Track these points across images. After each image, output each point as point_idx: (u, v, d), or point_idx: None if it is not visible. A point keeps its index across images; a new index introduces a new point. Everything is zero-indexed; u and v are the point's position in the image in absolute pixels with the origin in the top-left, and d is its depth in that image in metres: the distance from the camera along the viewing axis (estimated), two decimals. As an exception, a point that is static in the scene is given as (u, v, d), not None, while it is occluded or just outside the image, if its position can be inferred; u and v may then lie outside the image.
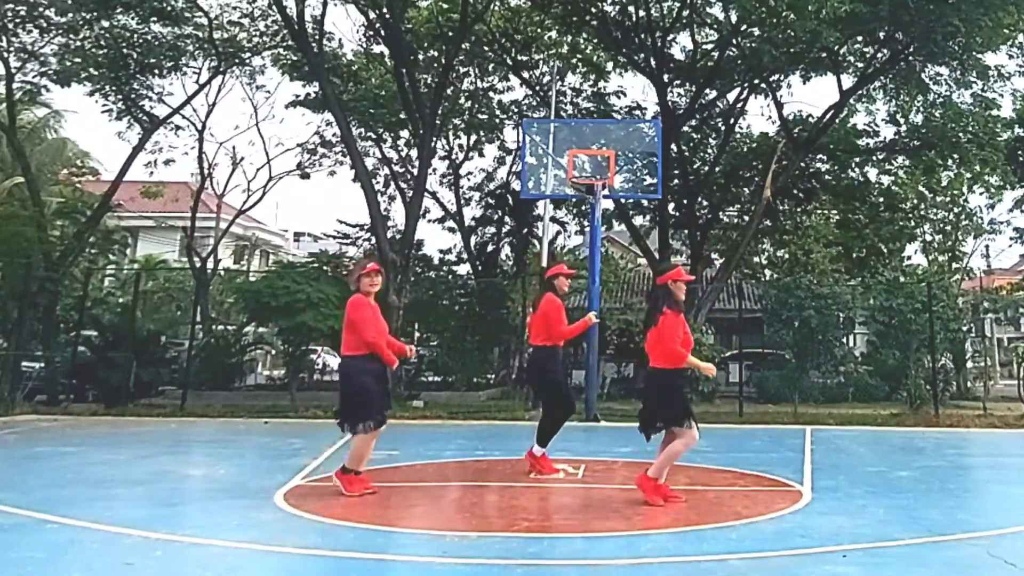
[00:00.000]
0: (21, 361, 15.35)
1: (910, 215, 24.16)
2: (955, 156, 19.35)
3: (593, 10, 18.51)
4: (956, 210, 25.32)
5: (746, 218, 21.37)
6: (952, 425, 12.67)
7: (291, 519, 5.36)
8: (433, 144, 19.68)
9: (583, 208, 20.82)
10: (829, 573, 4.16)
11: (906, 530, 5.13)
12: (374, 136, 22.95)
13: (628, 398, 16.59)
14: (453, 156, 24.51)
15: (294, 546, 4.63)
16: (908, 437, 11.18)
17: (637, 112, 21.44)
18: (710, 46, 19.54)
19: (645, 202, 21.38)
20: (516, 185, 21.44)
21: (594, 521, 5.37)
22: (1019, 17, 15.50)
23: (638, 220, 22.56)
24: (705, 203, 22.42)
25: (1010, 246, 32.38)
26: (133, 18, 17.34)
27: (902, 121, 20.02)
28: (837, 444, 10.15)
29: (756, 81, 19.25)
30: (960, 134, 18.24)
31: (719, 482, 6.86)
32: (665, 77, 19.76)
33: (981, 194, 24.41)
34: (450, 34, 18.50)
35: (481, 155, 25.03)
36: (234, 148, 29.25)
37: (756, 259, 25.55)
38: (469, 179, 25.09)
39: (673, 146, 20.01)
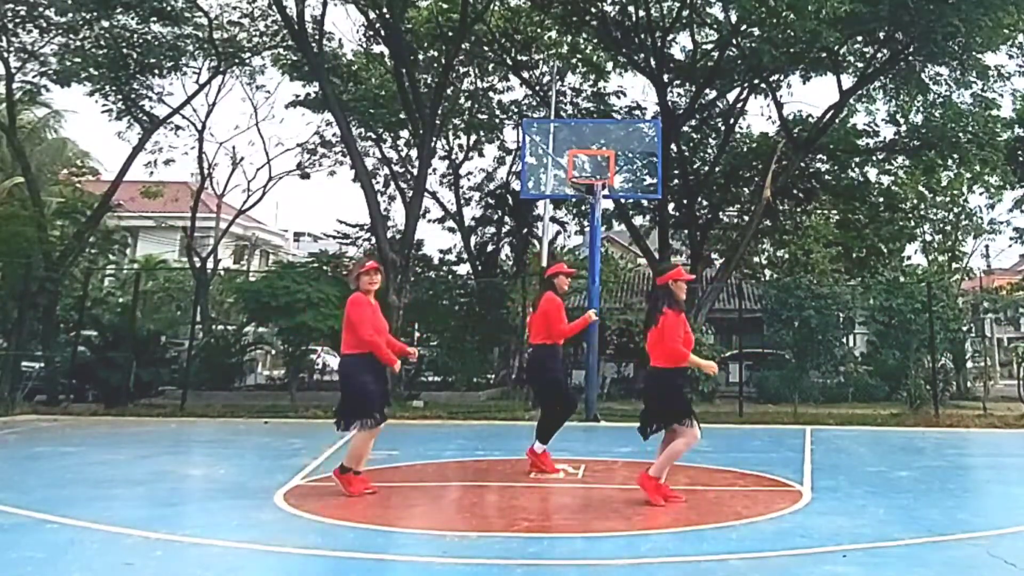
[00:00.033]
0: (21, 361, 15.35)
1: (910, 215, 24.16)
2: (955, 156, 19.35)
3: (593, 10, 18.51)
4: (956, 210, 25.32)
5: (746, 218, 21.37)
6: (952, 425, 12.67)
7: (291, 519, 5.36)
8: (433, 144, 19.68)
9: (583, 208, 20.82)
10: (829, 573, 4.16)
11: (906, 530, 5.13)
12: (374, 136, 22.96)
13: (628, 398, 16.61)
14: (453, 156, 24.53)
15: (294, 546, 4.63)
16: (908, 437, 11.18)
17: (637, 112, 21.46)
18: (710, 46, 19.54)
19: (645, 202, 21.39)
20: (516, 185, 21.45)
21: (594, 521, 5.37)
22: (1019, 17, 15.50)
23: (638, 220, 22.57)
24: (705, 203, 22.42)
25: (1010, 246, 32.40)
26: (133, 18, 17.35)
27: (902, 121, 20.03)
28: (837, 444, 10.15)
29: (756, 81, 19.25)
30: (960, 134, 18.24)
31: (719, 482, 6.86)
32: (665, 77, 19.76)
33: (981, 194, 24.44)
34: (450, 34, 18.50)
35: (481, 155, 25.09)
36: (234, 148, 29.26)
37: (756, 259, 25.55)
38: (469, 179, 25.14)
39: (673, 146, 20.01)
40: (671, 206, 21.70)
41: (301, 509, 5.55)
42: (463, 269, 24.23)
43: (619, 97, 21.84)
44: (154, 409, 14.27)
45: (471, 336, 19.89)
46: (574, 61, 21.71)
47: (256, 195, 25.02)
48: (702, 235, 21.75)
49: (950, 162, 20.54)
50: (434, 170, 23.12)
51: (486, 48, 20.99)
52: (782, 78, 19.19)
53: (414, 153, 21.43)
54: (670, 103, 20.12)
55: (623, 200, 20.36)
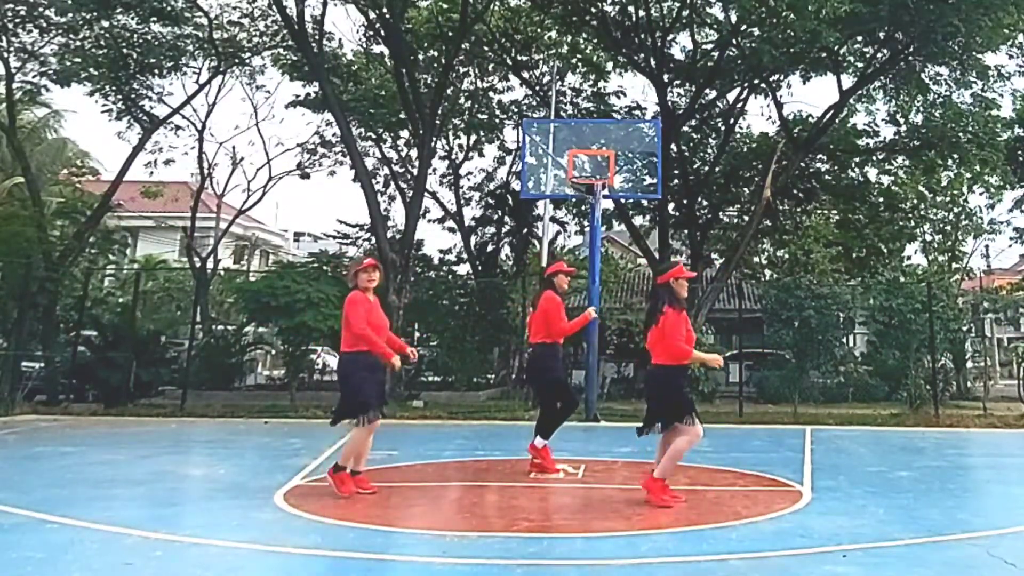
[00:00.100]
0: (21, 361, 15.35)
1: (910, 215, 24.15)
2: (955, 156, 19.35)
3: (593, 10, 18.50)
4: (956, 210, 25.28)
5: (746, 218, 21.36)
6: (952, 425, 12.68)
7: (291, 519, 5.36)
8: (433, 144, 19.67)
9: (583, 208, 20.82)
10: (829, 573, 4.16)
11: (906, 530, 5.13)
12: (374, 136, 22.95)
13: (628, 398, 16.63)
14: (453, 156, 24.52)
15: (294, 546, 4.63)
16: (908, 437, 11.18)
17: (637, 112, 21.45)
18: (710, 46, 19.52)
19: (645, 202, 21.39)
20: (516, 185, 21.44)
21: (594, 521, 5.37)
22: (1019, 17, 15.49)
23: (638, 220, 22.56)
24: (705, 203, 22.41)
25: (1010, 246, 32.39)
26: (133, 18, 17.35)
27: (902, 121, 20.02)
28: (837, 444, 10.16)
29: (756, 81, 19.24)
30: (960, 134, 18.24)
31: (719, 482, 6.86)
32: (665, 77, 19.75)
33: (981, 194, 24.40)
34: (450, 34, 18.49)
35: (481, 155, 25.06)
36: (234, 148, 29.28)
37: (756, 259, 25.54)
38: (469, 179, 25.12)
39: (673, 146, 20.01)
40: (671, 206, 21.69)
41: (301, 509, 5.55)
42: (463, 269, 24.25)
43: (619, 97, 21.86)
44: (154, 409, 14.28)
45: (471, 336, 19.88)
46: (574, 61, 21.69)
47: (256, 195, 25.08)
48: (702, 235, 21.75)
49: (950, 162, 20.54)
50: (434, 170, 23.14)
51: (486, 48, 20.98)
52: (782, 78, 19.19)
53: (414, 153, 21.43)
54: (670, 103, 20.12)
55: (623, 200, 20.36)
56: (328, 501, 5.82)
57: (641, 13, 18.57)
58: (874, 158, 21.69)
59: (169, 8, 17.28)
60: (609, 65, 21.54)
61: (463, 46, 19.00)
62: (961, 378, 19.50)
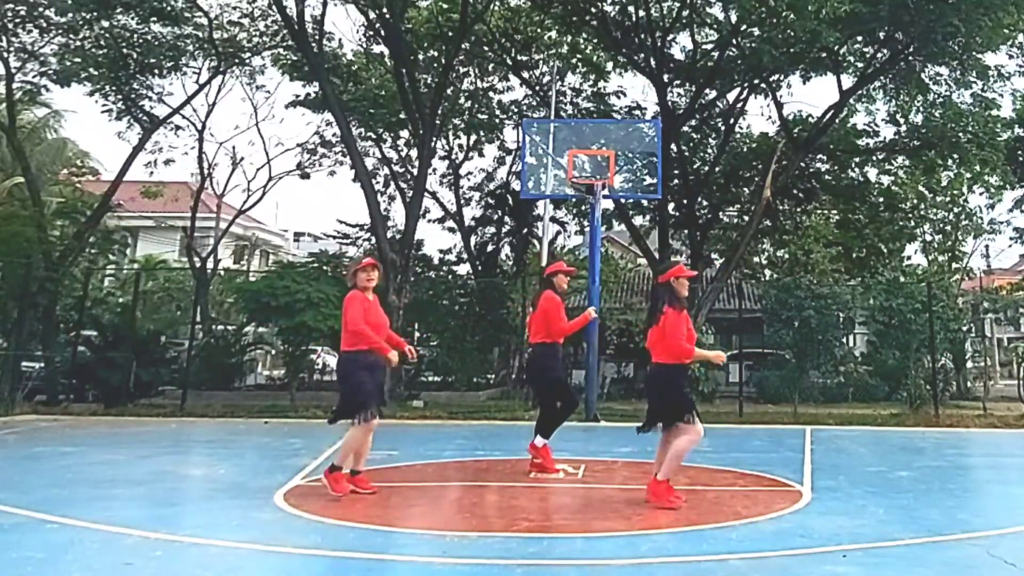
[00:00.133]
0: (21, 361, 15.35)
1: (910, 215, 24.14)
2: (955, 156, 19.35)
3: (593, 10, 18.50)
4: (956, 210, 25.28)
5: (746, 218, 21.36)
6: (952, 425, 12.68)
7: (291, 519, 5.36)
8: (433, 144, 19.67)
9: (583, 208, 20.82)
10: (829, 573, 4.16)
11: (906, 530, 5.13)
12: (374, 136, 22.95)
13: (628, 398, 16.63)
14: (453, 156, 24.52)
15: (294, 546, 4.63)
16: (908, 437, 11.19)
17: (637, 112, 21.45)
18: (710, 46, 19.52)
19: (645, 202, 21.38)
20: (516, 185, 21.44)
21: (594, 521, 5.37)
22: (1019, 17, 15.49)
23: (638, 220, 22.56)
24: (705, 203, 22.42)
25: (1010, 246, 32.37)
26: (133, 18, 17.35)
27: (902, 121, 20.01)
28: (837, 444, 10.16)
29: (756, 81, 19.24)
30: (960, 134, 18.23)
31: (719, 482, 6.86)
32: (665, 77, 19.75)
33: (981, 194, 24.40)
34: (450, 34, 18.49)
35: (481, 155, 25.07)
36: (234, 148, 29.28)
37: (756, 259, 25.53)
38: (469, 179, 25.13)
39: (673, 146, 20.00)
40: (671, 206, 21.69)
41: (301, 509, 5.55)
42: (463, 269, 24.26)
43: (619, 97, 21.86)
44: (154, 409, 14.28)
45: (471, 336, 19.88)
46: (574, 61, 21.69)
47: (256, 195, 25.09)
48: (702, 235, 21.75)
49: (950, 162, 20.53)
50: (434, 170, 23.15)
51: (486, 48, 20.97)
52: (782, 78, 19.19)
53: (414, 153, 21.43)
54: (670, 103, 20.11)
55: (623, 200, 20.36)
56: (328, 501, 5.81)
57: (641, 13, 18.57)
58: (874, 158, 21.68)
59: (169, 8, 17.28)
60: (609, 65, 21.54)
61: (463, 46, 19.00)
62: (961, 378, 19.50)
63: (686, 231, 22.03)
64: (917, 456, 9.39)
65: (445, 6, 19.03)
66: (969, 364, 20.39)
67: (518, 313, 17.89)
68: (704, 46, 19.72)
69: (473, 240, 24.18)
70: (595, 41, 20.48)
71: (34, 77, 17.58)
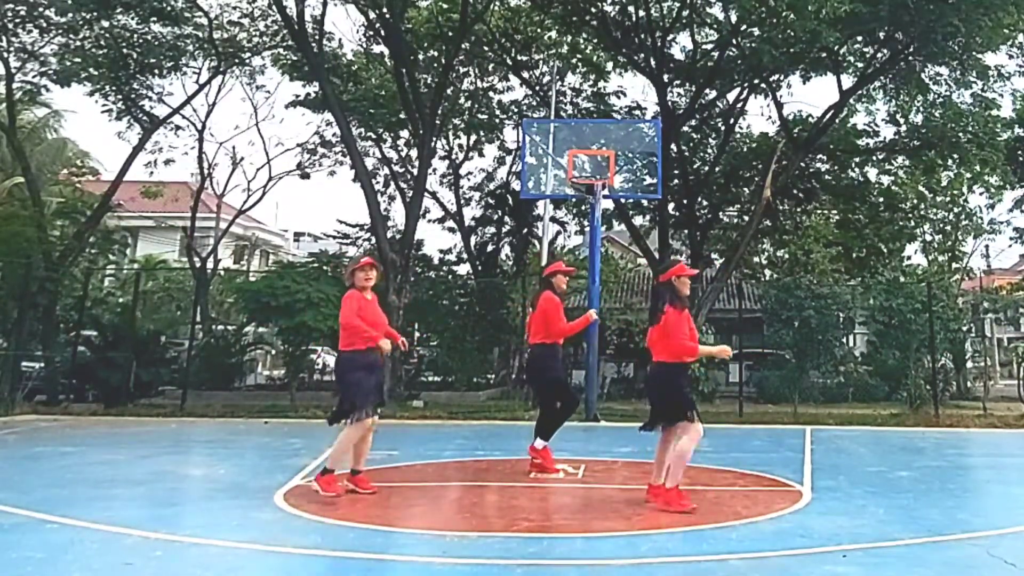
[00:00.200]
0: (21, 361, 15.35)
1: (910, 215, 24.15)
2: (955, 156, 19.34)
3: (593, 10, 18.50)
4: (956, 210, 25.28)
5: (746, 218, 21.36)
6: (952, 425, 12.69)
7: (291, 519, 5.36)
8: (433, 144, 19.68)
9: (583, 208, 20.82)
10: (829, 573, 4.16)
11: (906, 530, 5.13)
12: (374, 136, 22.95)
13: (628, 398, 16.63)
14: (453, 156, 24.53)
15: (294, 546, 4.63)
16: (908, 437, 11.19)
17: (637, 112, 21.44)
18: (710, 46, 19.52)
19: (645, 202, 21.38)
20: (516, 185, 21.45)
21: (594, 521, 5.37)
22: (1019, 17, 15.48)
23: (638, 220, 22.55)
24: (705, 203, 22.41)
25: (1010, 246, 32.38)
26: (133, 18, 17.35)
27: (902, 121, 20.01)
28: (837, 444, 10.16)
29: (756, 81, 19.24)
30: (960, 134, 18.23)
31: (719, 482, 6.86)
32: (665, 77, 19.75)
33: (981, 194, 24.40)
34: (450, 34, 18.49)
35: (481, 155, 25.09)
36: (234, 148, 29.29)
37: (756, 259, 25.53)
38: (469, 179, 25.15)
39: (673, 146, 20.00)
40: (671, 206, 21.68)
41: (301, 509, 5.55)
42: (463, 269, 24.27)
43: (619, 97, 21.86)
44: (154, 409, 14.28)
45: (471, 336, 19.89)
46: (574, 61, 21.69)
47: (256, 195, 25.11)
48: (702, 235, 21.75)
49: (950, 162, 20.52)
50: (434, 170, 23.16)
51: (486, 48, 20.97)
52: (782, 78, 19.18)
53: (414, 153, 21.44)
54: (670, 103, 20.11)
55: (623, 200, 20.36)
56: (328, 501, 5.81)
57: (641, 13, 18.57)
58: (874, 158, 21.68)
59: (169, 8, 17.29)
60: (609, 65, 21.54)
61: (463, 46, 19.00)
62: (961, 378, 19.50)
63: (686, 231, 22.03)
64: (917, 456, 9.39)
65: (445, 6, 19.03)
66: (969, 364, 20.39)
67: (518, 313, 17.89)
68: (704, 46, 19.73)
69: (473, 240, 24.19)
70: (595, 41, 20.48)
71: (34, 77, 17.63)
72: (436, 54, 20.44)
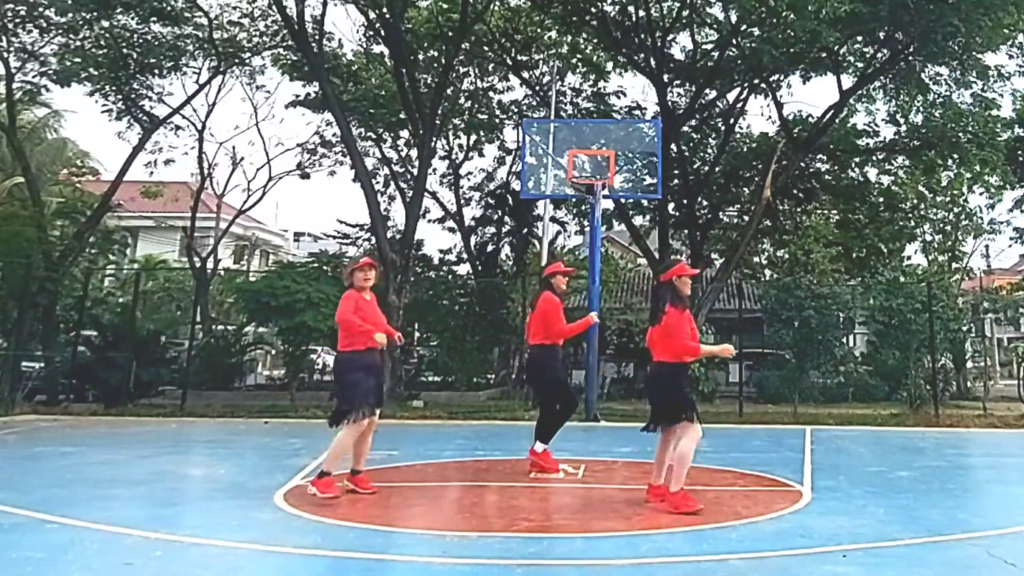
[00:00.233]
0: (21, 361, 15.36)
1: (910, 215, 24.14)
2: (955, 156, 19.33)
3: (593, 10, 18.49)
4: (956, 210, 25.28)
5: (746, 218, 21.35)
6: (952, 425, 12.69)
7: (291, 519, 5.36)
8: (433, 144, 19.67)
9: (583, 208, 20.82)
10: (829, 573, 4.16)
11: (906, 530, 5.13)
12: (374, 136, 22.95)
13: (628, 398, 16.63)
14: (453, 156, 24.53)
15: (294, 546, 4.63)
16: (908, 437, 11.19)
17: (637, 112, 21.43)
18: (710, 46, 19.51)
19: (645, 202, 21.37)
20: (516, 185, 21.45)
21: (594, 521, 5.37)
22: (1019, 17, 15.48)
23: (638, 220, 22.54)
24: (705, 203, 22.40)
25: (1010, 246, 32.39)
26: (133, 18, 17.35)
27: (902, 121, 19.99)
28: (837, 444, 10.16)
29: (756, 81, 19.23)
30: (960, 134, 18.22)
31: (719, 482, 6.85)
32: (665, 77, 19.74)
33: (981, 194, 24.40)
34: (450, 34, 18.49)
35: (481, 155, 25.09)
36: (234, 148, 29.30)
37: (756, 259, 25.53)
38: (469, 179, 25.15)
39: (673, 146, 19.99)
40: (671, 206, 21.67)
41: (301, 509, 5.55)
42: (463, 269, 24.27)
43: (619, 97, 21.84)
44: (154, 409, 14.28)
45: (471, 336, 19.89)
46: (574, 61, 21.69)
47: (256, 195, 25.12)
48: (702, 235, 21.75)
49: (950, 162, 20.51)
50: (434, 170, 23.16)
51: (486, 48, 20.97)
52: (782, 78, 19.17)
53: (414, 153, 21.44)
54: (670, 103, 20.10)
55: (623, 200, 20.35)
56: (328, 501, 5.81)
57: (641, 13, 18.56)
58: (874, 158, 21.67)
59: (169, 8, 17.29)
60: (609, 65, 21.53)
61: (463, 46, 19.00)
62: (961, 378, 19.50)
63: (686, 231, 22.03)
64: (917, 456, 9.39)
65: (445, 6, 19.02)
66: (969, 364, 20.39)
67: (518, 313, 17.90)
68: (704, 46, 19.72)
69: (473, 240, 24.19)
70: (595, 41, 20.46)
71: (34, 77, 17.63)
72: (436, 54, 20.44)
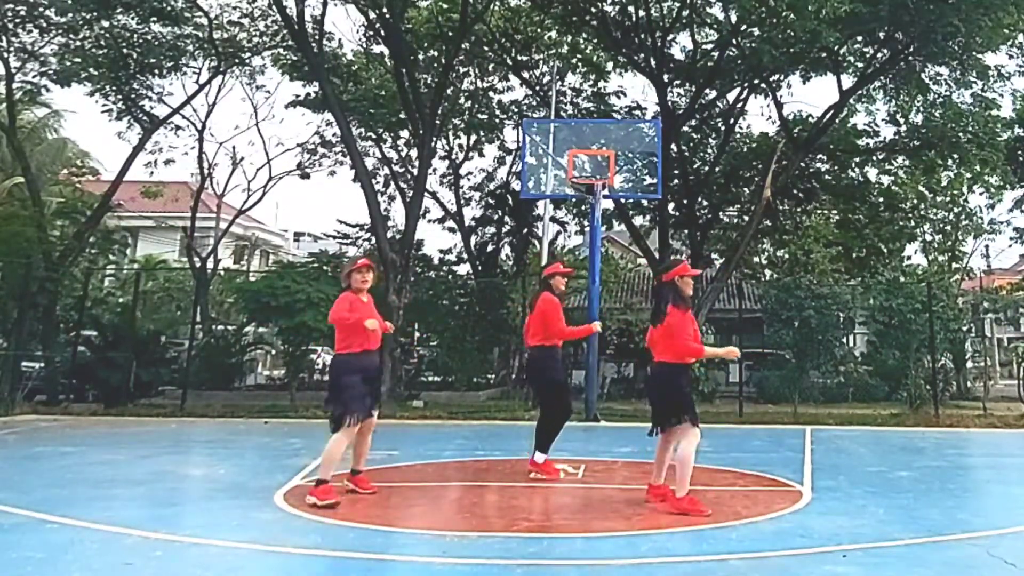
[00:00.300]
0: (21, 361, 15.35)
1: (910, 215, 24.14)
2: (955, 156, 19.33)
3: (593, 10, 18.49)
4: (956, 210, 25.29)
5: (746, 218, 21.36)
6: (952, 425, 12.69)
7: (291, 519, 5.36)
8: (433, 144, 19.67)
9: (583, 208, 20.82)
10: (829, 573, 4.16)
11: (906, 530, 5.13)
12: (374, 136, 22.95)
13: (628, 398, 16.63)
14: (453, 156, 24.54)
15: (294, 546, 4.63)
16: (908, 437, 11.19)
17: (637, 112, 21.43)
18: (710, 46, 19.52)
19: (645, 202, 21.38)
20: (516, 185, 21.45)
21: (594, 521, 5.37)
22: (1019, 17, 15.48)
23: (638, 220, 22.55)
24: (705, 203, 22.41)
25: (1010, 246, 32.40)
26: (133, 18, 17.36)
27: (902, 121, 20.00)
28: (837, 444, 10.16)
29: (756, 81, 19.23)
30: (960, 134, 18.22)
31: (719, 482, 6.85)
32: (665, 77, 19.74)
33: (981, 194, 24.41)
34: (450, 34, 18.49)
35: (481, 155, 25.09)
36: (234, 148, 29.32)
37: (756, 259, 25.53)
38: (469, 179, 25.16)
39: (673, 146, 20.00)
40: (671, 206, 21.68)
41: (301, 509, 5.55)
42: (463, 269, 24.27)
43: (619, 97, 21.85)
44: (154, 409, 14.28)
45: (471, 336, 19.88)
46: (574, 61, 21.69)
47: (256, 195, 25.13)
48: (702, 235, 21.75)
49: (950, 162, 20.51)
50: (434, 170, 23.16)
51: (486, 48, 20.97)
52: (782, 78, 19.17)
53: (414, 153, 21.44)
54: (670, 103, 20.10)
55: (623, 200, 20.36)
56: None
57: (641, 13, 18.56)
58: (874, 158, 21.67)
59: (169, 8, 17.29)
60: (609, 65, 21.54)
61: (463, 46, 19.00)
62: (961, 378, 19.50)
63: (686, 231, 22.03)
64: (917, 456, 9.39)
65: (445, 6, 19.03)
66: (969, 364, 20.39)
67: (518, 313, 17.90)
68: (704, 46, 19.72)
69: (473, 240, 24.19)
70: (595, 41, 20.47)
71: (34, 77, 17.62)
72: (436, 54, 20.44)
